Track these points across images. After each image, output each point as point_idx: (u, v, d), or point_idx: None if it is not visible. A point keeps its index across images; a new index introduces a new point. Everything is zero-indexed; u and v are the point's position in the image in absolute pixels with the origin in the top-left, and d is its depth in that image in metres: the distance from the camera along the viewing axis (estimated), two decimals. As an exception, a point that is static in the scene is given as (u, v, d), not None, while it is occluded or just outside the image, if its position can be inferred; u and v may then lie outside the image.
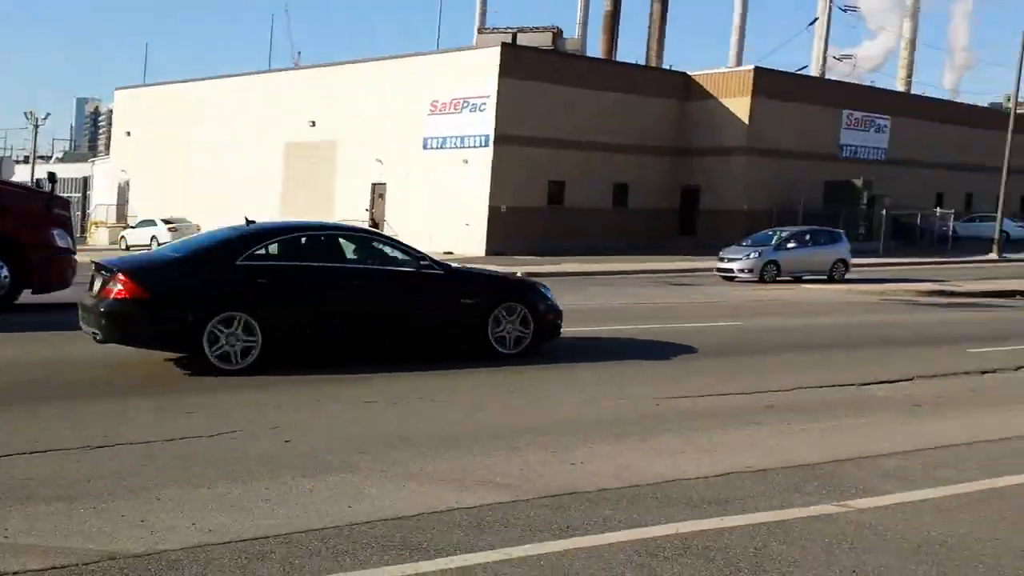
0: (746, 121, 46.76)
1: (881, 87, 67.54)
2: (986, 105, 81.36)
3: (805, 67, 69.61)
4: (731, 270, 29.58)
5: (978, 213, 56.01)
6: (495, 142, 41.10)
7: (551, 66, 44.51)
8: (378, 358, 11.18)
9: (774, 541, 5.58)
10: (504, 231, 40.91)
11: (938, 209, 50.67)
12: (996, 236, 41.94)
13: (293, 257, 11.18)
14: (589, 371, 11.51)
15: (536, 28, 57.89)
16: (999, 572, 5.13)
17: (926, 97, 68.87)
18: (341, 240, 11.88)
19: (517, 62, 42.20)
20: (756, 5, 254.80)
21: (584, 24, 74.69)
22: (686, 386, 10.57)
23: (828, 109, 51.17)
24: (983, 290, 23.79)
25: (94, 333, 10.58)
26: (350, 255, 11.72)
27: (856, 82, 73.77)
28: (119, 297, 10.28)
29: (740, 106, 46.94)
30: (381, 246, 12.21)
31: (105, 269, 10.70)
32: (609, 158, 44.83)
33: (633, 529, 5.71)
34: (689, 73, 49.59)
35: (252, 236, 11.19)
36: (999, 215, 42.72)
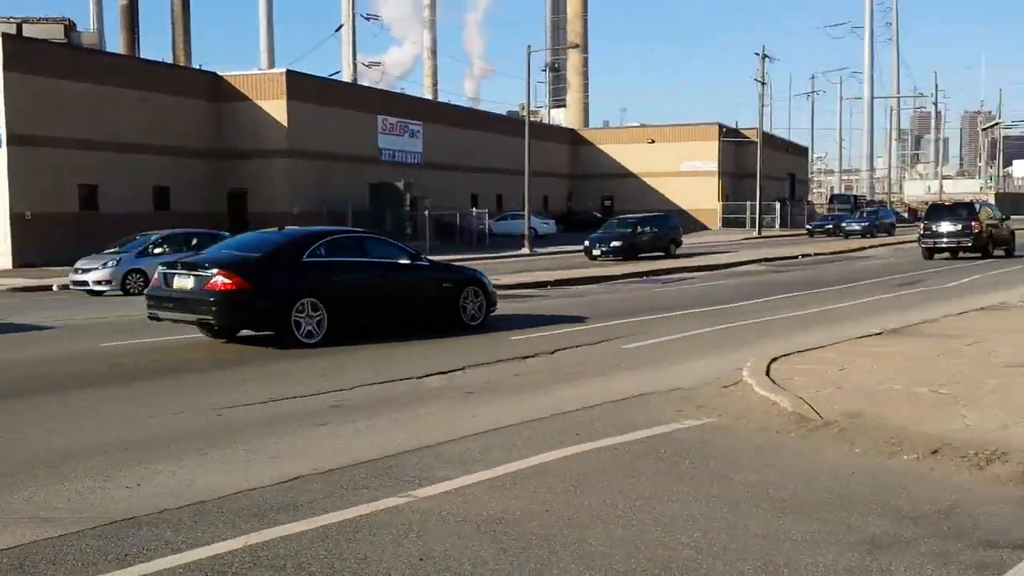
0: (284, 124, 46.76)
1: (412, 94, 71.25)
2: (504, 113, 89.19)
3: (338, 72, 71.42)
4: (86, 282, 25.57)
5: (509, 212, 61.27)
6: (7, 142, 36.84)
7: (66, 60, 40.89)
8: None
9: (344, 540, 5.56)
10: (34, 240, 36.99)
11: (474, 209, 54.59)
12: (526, 232, 46.12)
13: (334, 254, 14.45)
14: (124, 389, 10.84)
15: (44, 19, 53.39)
16: (549, 541, 5.54)
17: (451, 105, 74.03)
18: (363, 240, 15.52)
19: (24, 55, 38.28)
20: (283, 7, 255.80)
21: (100, 18, 70.30)
22: (244, 392, 10.28)
23: (364, 114, 52.90)
24: (519, 282, 25.94)
25: (200, 319, 13.35)
26: (370, 251, 15.17)
27: (388, 88, 77.26)
28: (228, 289, 12.90)
29: (277, 109, 46.82)
30: (387, 245, 15.88)
31: (199, 267, 13.49)
32: (145, 160, 42.37)
33: (198, 548, 5.39)
34: (220, 73, 48.36)
35: (309, 238, 14.55)
36: (527, 213, 47.01)
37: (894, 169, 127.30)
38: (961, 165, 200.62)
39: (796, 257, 38.73)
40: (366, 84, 71.71)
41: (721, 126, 78.55)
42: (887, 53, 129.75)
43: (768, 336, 14.46)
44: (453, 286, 15.56)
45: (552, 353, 13.15)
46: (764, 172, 67.18)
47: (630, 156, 77.75)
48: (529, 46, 48.87)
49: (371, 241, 15.68)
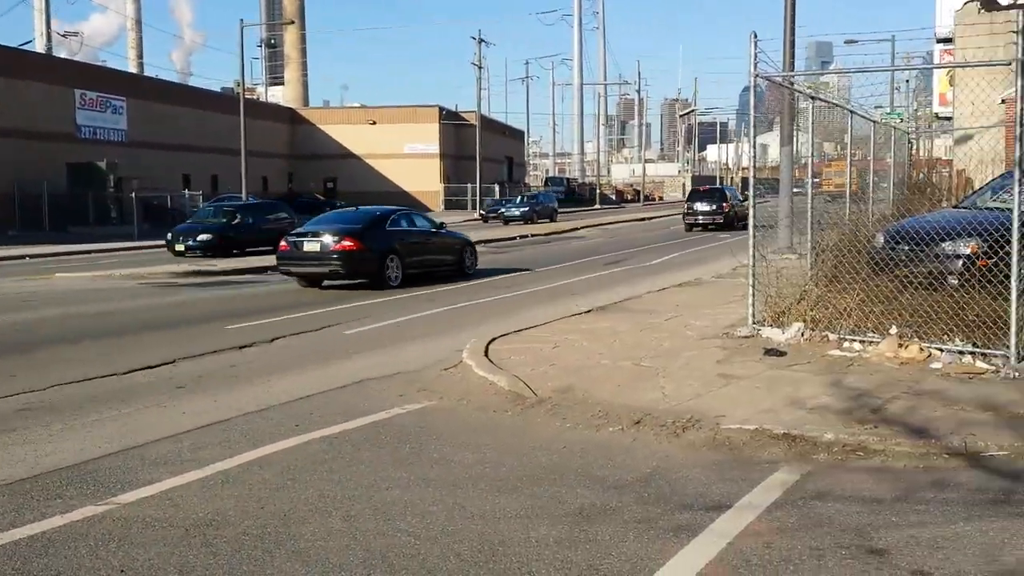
0: (-36, 98, 42.41)
1: (115, 68, 66.81)
2: (219, 90, 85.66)
3: (30, 41, 65.72)
4: None
5: (225, 194, 58.90)
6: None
7: None
8: None
9: (35, 557, 5.10)
10: None
11: (187, 191, 51.99)
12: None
13: (400, 224, 20.85)
14: None
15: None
16: (264, 540, 5.34)
17: (160, 79, 70.10)
18: (412, 215, 22.07)
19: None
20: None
21: None
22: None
23: (60, 88, 48.99)
24: (238, 267, 24.99)
25: (328, 270, 19.45)
26: (415, 223, 21.60)
27: (88, 61, 71.99)
28: (350, 249, 19.14)
29: (-46, 81, 42.38)
30: (425, 219, 22.88)
31: (335, 234, 19.40)
32: None
33: None
34: None
35: (388, 213, 21.18)
36: (244, 195, 45.35)
37: (602, 153, 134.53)
38: (662, 149, 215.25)
39: (515, 238, 40.00)
40: (64, 55, 66.32)
41: (442, 109, 79.60)
42: (595, 41, 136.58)
43: (489, 317, 14.80)
44: (461, 247, 22.49)
45: (271, 341, 12.75)
46: (484, 155, 68.89)
47: (352, 137, 77.09)
48: (242, 20, 47.14)
49: (416, 216, 22.45)
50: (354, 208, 24.56)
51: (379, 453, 7.16)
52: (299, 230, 21.17)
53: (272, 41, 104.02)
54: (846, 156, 17.20)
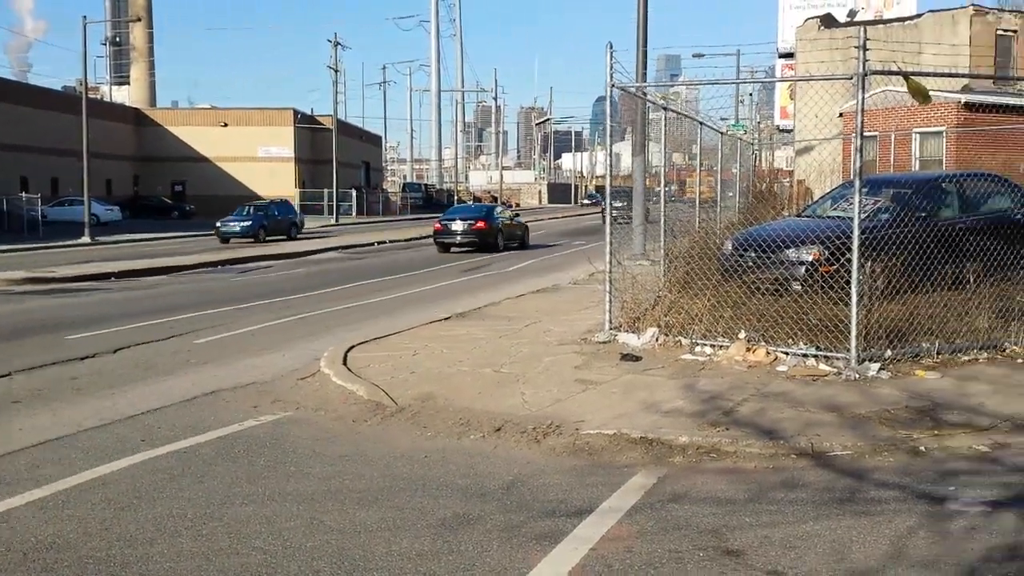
0: None
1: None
2: (60, 88, 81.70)
3: None
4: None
5: (67, 197, 56.11)
6: None
7: None
8: None
9: None
10: None
11: (24, 193, 49.23)
12: (86, 219, 42.46)
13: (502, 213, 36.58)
14: None
15: None
16: (109, 564, 5.06)
17: (-4, 77, 66.27)
18: (492, 208, 35.96)
19: None
20: None
21: None
22: None
23: None
24: (79, 274, 23.79)
25: (469, 241, 31.79)
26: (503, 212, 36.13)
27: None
28: (483, 229, 31.59)
29: None
30: (502, 207, 42.21)
31: (464, 220, 32.25)
32: None
33: None
34: None
35: (495, 206, 39.84)
36: (86, 199, 43.32)
37: (460, 159, 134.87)
38: (519, 157, 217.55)
39: (373, 244, 39.58)
40: None
41: (297, 112, 78.03)
42: (452, 48, 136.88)
43: (347, 324, 14.55)
44: (522, 231, 34.92)
45: (115, 352, 12.16)
46: (340, 160, 67.85)
47: (202, 139, 74.65)
48: (85, 17, 45.01)
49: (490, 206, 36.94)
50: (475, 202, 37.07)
51: (232, 467, 6.90)
52: (450, 215, 33.77)
53: (117, 39, 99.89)
54: (696, 166, 17.73)
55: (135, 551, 5.24)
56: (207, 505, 6.01)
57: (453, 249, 31.87)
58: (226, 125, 75.41)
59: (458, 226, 31.63)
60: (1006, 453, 6.89)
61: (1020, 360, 9.81)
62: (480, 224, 31.51)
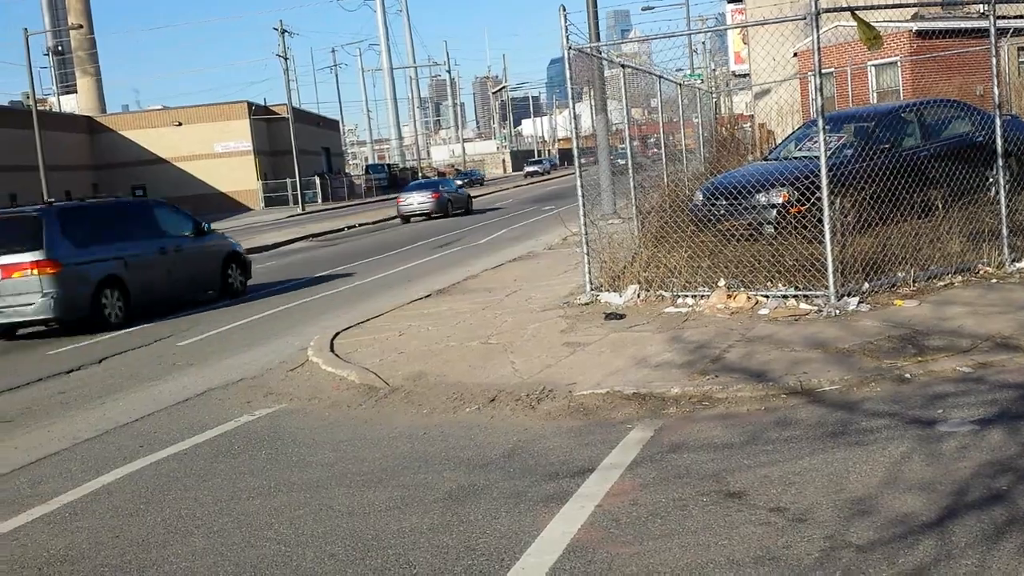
0: None
1: None
2: (7, 104, 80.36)
3: None
4: None
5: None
6: None
7: None
8: None
9: None
10: None
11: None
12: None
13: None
14: None
15: None
16: (124, 570, 5.11)
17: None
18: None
19: None
20: None
21: None
22: None
23: None
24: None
25: (425, 211, 38.69)
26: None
27: None
28: (435, 199, 38.98)
29: None
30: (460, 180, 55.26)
31: (425, 191, 39.94)
32: None
33: None
34: None
35: (437, 180, 47.25)
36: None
37: (420, 136, 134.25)
38: (478, 127, 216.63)
39: (342, 229, 39.45)
40: None
41: (251, 104, 77.20)
42: (400, 25, 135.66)
43: (327, 312, 14.56)
44: (465, 199, 41.70)
45: (99, 363, 12.13)
46: (300, 148, 67.33)
47: (158, 141, 73.78)
48: (26, 29, 44.30)
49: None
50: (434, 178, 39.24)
51: (234, 464, 6.95)
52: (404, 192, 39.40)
53: (59, 48, 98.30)
54: (657, 120, 17.79)
55: (149, 555, 5.29)
56: (215, 503, 6.07)
57: (413, 219, 39.47)
58: (180, 124, 74.57)
59: (415, 198, 39.39)
60: (988, 372, 7.06)
61: (994, 280, 10.00)
62: (433, 195, 39.08)
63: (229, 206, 68.76)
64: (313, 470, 6.57)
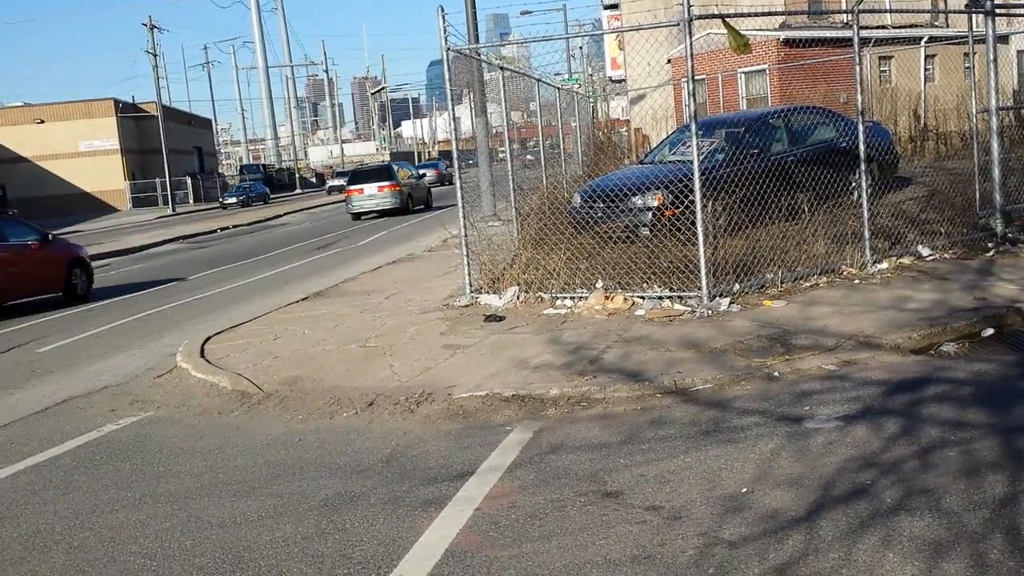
0: None
1: None
2: None
3: None
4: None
5: None
6: None
7: None
8: None
9: None
10: None
11: None
12: None
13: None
14: None
15: None
16: (-22, 589, 4.81)
17: None
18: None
19: None
20: None
21: None
22: None
23: None
24: None
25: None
26: None
27: None
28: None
29: None
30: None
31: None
32: None
33: None
34: None
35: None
36: None
37: (297, 136, 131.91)
38: (357, 128, 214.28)
39: (215, 231, 38.42)
40: None
41: (118, 101, 74.39)
42: (275, 23, 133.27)
43: (197, 317, 14.11)
44: None
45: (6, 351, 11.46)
46: (170, 147, 65.25)
47: (18, 139, 70.35)
48: None
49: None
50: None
51: (96, 475, 6.64)
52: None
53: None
54: (536, 123, 17.92)
55: (5, 572, 4.99)
56: (75, 516, 5.77)
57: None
58: (42, 122, 71.34)
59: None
60: (852, 369, 7.33)
61: (856, 280, 10.40)
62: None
63: (95, 206, 66.15)
64: (181, 480, 6.33)
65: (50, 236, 17.75)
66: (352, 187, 34.45)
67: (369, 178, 34.52)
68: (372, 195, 33.91)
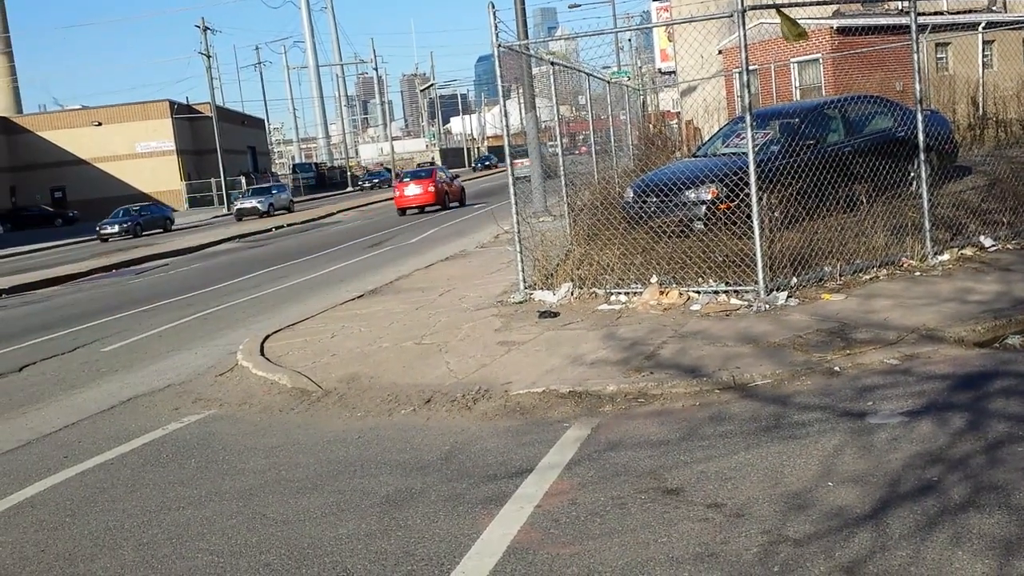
0: None
1: None
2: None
3: None
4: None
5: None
6: None
7: None
8: None
9: None
10: None
11: None
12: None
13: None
14: None
15: None
16: (53, 585, 4.93)
17: None
18: None
19: None
20: None
21: None
22: None
23: None
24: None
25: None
26: None
27: None
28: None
29: None
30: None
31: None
32: None
33: None
34: None
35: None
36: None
37: (348, 134, 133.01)
38: (407, 125, 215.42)
39: (270, 230, 38.91)
40: None
41: (173, 103, 75.71)
42: (325, 22, 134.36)
43: (256, 315, 14.31)
44: None
45: (20, 370, 11.75)
46: (224, 147, 66.24)
47: (78, 141, 71.95)
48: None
49: None
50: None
51: (163, 473, 6.77)
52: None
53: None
54: (587, 118, 17.86)
55: (77, 569, 5.11)
56: (143, 514, 5.89)
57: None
58: (100, 124, 72.85)
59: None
60: (915, 363, 7.21)
61: (917, 272, 10.23)
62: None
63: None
64: (245, 477, 6.43)
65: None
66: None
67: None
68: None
